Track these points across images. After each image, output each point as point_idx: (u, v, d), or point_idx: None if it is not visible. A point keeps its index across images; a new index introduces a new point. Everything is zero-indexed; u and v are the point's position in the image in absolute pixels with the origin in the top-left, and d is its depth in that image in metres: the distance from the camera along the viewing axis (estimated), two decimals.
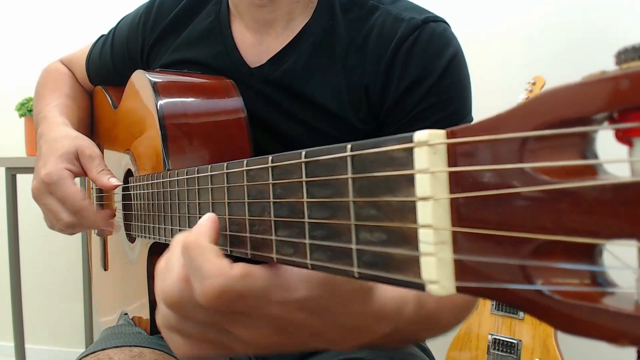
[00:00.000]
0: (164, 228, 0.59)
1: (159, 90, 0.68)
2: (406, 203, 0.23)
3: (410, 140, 0.22)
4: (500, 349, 1.42)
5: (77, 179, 0.76)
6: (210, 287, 0.33)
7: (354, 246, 0.26)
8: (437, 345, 0.90)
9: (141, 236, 0.71)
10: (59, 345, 2.29)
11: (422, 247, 0.22)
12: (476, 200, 0.20)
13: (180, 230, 0.54)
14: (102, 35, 0.96)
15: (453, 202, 0.21)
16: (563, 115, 0.17)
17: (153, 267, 0.69)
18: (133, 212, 0.74)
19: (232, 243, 0.41)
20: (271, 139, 0.73)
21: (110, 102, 0.91)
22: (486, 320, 1.47)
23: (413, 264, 0.22)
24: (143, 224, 0.69)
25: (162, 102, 0.67)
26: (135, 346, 0.67)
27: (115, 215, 0.77)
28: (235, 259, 0.55)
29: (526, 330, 1.40)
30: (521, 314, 1.41)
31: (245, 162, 0.37)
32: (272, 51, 0.73)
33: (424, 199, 0.22)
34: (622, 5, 1.61)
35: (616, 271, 0.18)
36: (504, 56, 1.74)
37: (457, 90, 0.67)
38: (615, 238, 0.16)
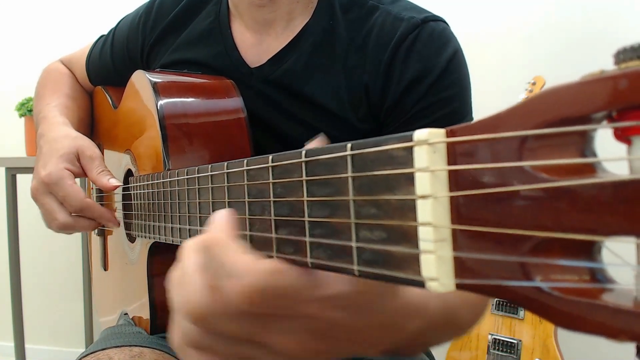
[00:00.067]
0: (165, 227, 0.60)
1: (159, 90, 0.68)
2: (406, 201, 0.23)
3: (410, 139, 0.22)
4: (500, 349, 1.42)
5: (77, 179, 0.76)
6: (241, 287, 0.29)
7: (354, 244, 0.26)
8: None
9: (141, 236, 0.71)
10: (59, 345, 2.29)
11: (422, 245, 0.22)
12: (476, 198, 0.20)
13: (180, 228, 0.54)
14: (102, 36, 0.96)
15: (453, 200, 0.21)
16: (562, 114, 0.17)
17: (153, 267, 0.70)
18: (133, 212, 0.75)
19: None
20: (271, 139, 0.73)
21: (110, 102, 0.91)
22: (486, 320, 1.47)
23: (413, 261, 0.22)
24: (143, 224, 0.69)
25: (162, 102, 0.67)
26: (135, 346, 0.67)
27: (117, 218, 0.78)
28: None
29: (526, 330, 1.40)
30: (521, 314, 1.41)
31: (245, 161, 0.37)
32: (272, 51, 0.73)
33: (423, 197, 0.22)
34: (622, 5, 1.61)
35: (615, 268, 0.18)
36: (504, 56, 1.74)
37: (457, 89, 0.67)
38: (614, 235, 0.16)
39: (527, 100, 0.19)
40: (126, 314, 0.82)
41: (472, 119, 0.70)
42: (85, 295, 2.00)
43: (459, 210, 0.21)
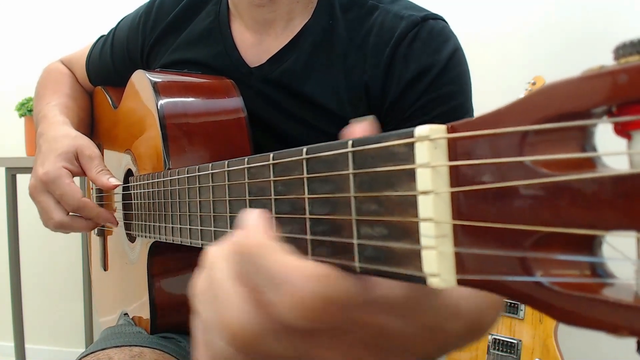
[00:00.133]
0: (165, 227, 0.60)
1: (159, 90, 0.69)
2: (407, 197, 0.23)
3: (411, 135, 0.22)
4: (500, 349, 1.42)
5: (77, 179, 0.76)
6: (295, 298, 0.24)
7: (355, 241, 0.26)
8: None
9: (141, 235, 0.71)
10: (59, 345, 2.29)
11: (423, 241, 0.22)
12: (476, 193, 0.20)
13: (181, 228, 0.54)
14: (102, 36, 0.96)
15: (454, 195, 0.21)
16: (562, 109, 0.18)
17: (153, 267, 0.70)
18: (133, 212, 0.75)
19: None
20: (271, 139, 0.73)
21: (111, 103, 0.91)
22: None
23: (414, 257, 0.22)
24: (143, 223, 0.69)
25: (163, 102, 0.67)
26: (135, 346, 0.67)
27: (115, 218, 0.77)
28: None
29: (526, 330, 1.40)
30: (521, 313, 1.41)
31: (246, 159, 0.37)
32: (272, 51, 0.73)
33: (424, 193, 0.22)
34: (622, 5, 1.61)
35: (615, 262, 0.18)
36: (504, 56, 1.74)
37: (457, 86, 0.67)
38: (614, 230, 0.16)
39: (528, 96, 0.19)
40: (126, 314, 0.82)
41: (472, 115, 0.70)
42: (85, 295, 2.00)
43: (460, 206, 0.21)
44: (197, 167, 0.48)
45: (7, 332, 1.89)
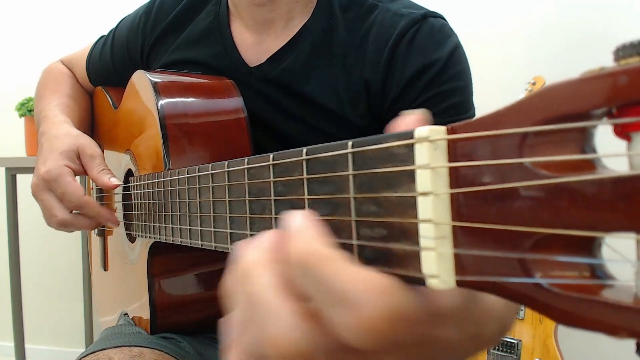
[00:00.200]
0: (165, 227, 0.60)
1: (159, 90, 0.69)
2: (407, 198, 0.23)
3: (411, 136, 0.22)
4: (500, 348, 1.42)
5: (77, 178, 0.76)
6: (367, 317, 0.21)
7: (354, 242, 0.26)
8: None
9: (141, 236, 0.71)
10: (59, 345, 2.29)
11: (423, 242, 0.22)
12: (476, 195, 0.20)
13: (181, 228, 0.54)
14: (102, 36, 0.96)
15: (453, 197, 0.21)
16: (562, 111, 0.18)
17: (153, 267, 0.70)
18: (133, 212, 0.75)
19: (232, 241, 0.42)
20: (271, 139, 0.73)
21: (111, 103, 0.91)
22: None
23: (413, 258, 0.22)
24: (143, 224, 0.69)
25: (163, 102, 0.67)
26: (135, 346, 0.67)
27: (117, 217, 0.77)
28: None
29: (526, 330, 1.40)
30: (521, 314, 1.41)
31: (246, 160, 0.37)
32: (272, 51, 0.73)
33: (424, 194, 0.22)
34: (622, 5, 1.61)
35: (615, 264, 0.18)
36: (504, 56, 1.74)
37: (458, 82, 0.67)
38: (614, 231, 0.16)
39: (527, 97, 0.19)
40: (126, 314, 0.82)
41: (474, 113, 0.70)
42: (85, 295, 2.00)
43: (459, 207, 0.21)
44: (197, 167, 0.48)
45: (7, 332, 1.89)
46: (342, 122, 0.70)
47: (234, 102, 0.70)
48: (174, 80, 0.73)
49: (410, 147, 0.22)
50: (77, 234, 2.05)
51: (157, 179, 0.61)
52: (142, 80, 0.74)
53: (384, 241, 0.24)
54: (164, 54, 0.82)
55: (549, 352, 1.35)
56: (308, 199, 0.30)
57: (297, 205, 0.31)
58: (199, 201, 0.48)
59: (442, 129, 0.22)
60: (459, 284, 0.21)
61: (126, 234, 0.82)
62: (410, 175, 0.23)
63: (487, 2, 1.77)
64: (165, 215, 0.59)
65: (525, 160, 0.18)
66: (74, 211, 0.73)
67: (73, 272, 2.18)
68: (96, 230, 1.02)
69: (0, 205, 1.91)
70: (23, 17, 2.30)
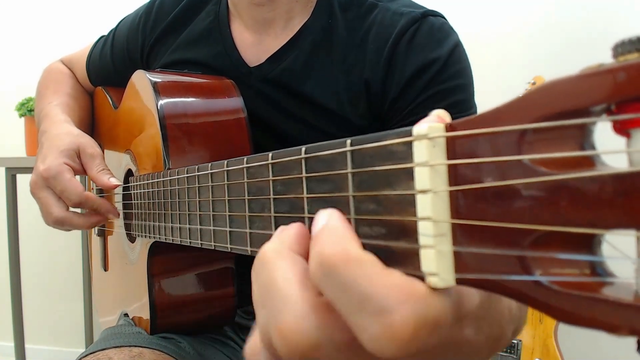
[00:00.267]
0: (165, 227, 0.60)
1: (159, 90, 0.68)
2: (406, 196, 0.23)
3: (410, 133, 0.22)
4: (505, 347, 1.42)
5: (77, 178, 0.76)
6: (400, 326, 0.20)
7: None
8: None
9: (141, 236, 0.71)
10: (59, 345, 2.29)
11: (422, 240, 0.22)
12: (475, 192, 0.20)
13: (180, 228, 0.54)
14: (102, 36, 0.96)
15: (452, 194, 0.21)
16: (561, 108, 0.17)
17: (153, 267, 0.70)
18: (133, 212, 0.75)
19: (232, 240, 0.42)
20: (271, 139, 0.73)
21: (111, 103, 0.91)
22: None
23: (413, 256, 0.22)
24: (143, 223, 0.69)
25: (163, 102, 0.67)
26: (135, 346, 0.67)
27: (116, 208, 0.77)
28: (238, 257, 0.54)
29: (526, 330, 1.40)
30: None
31: (245, 159, 0.37)
32: (272, 50, 0.73)
33: (423, 191, 0.22)
34: (622, 5, 1.61)
35: (615, 261, 0.18)
36: (504, 56, 1.74)
37: (459, 80, 0.67)
38: (613, 228, 0.16)
39: (526, 94, 0.19)
40: (126, 314, 0.82)
41: (476, 111, 0.70)
42: (85, 295, 2.00)
43: (458, 205, 0.21)
44: (196, 167, 0.48)
45: (7, 332, 1.90)
46: (342, 122, 0.70)
47: (234, 102, 0.70)
48: (174, 80, 0.73)
49: (409, 144, 0.22)
50: (77, 234, 2.05)
51: (157, 178, 0.61)
52: (142, 80, 0.73)
53: (384, 239, 0.24)
54: (164, 54, 0.82)
55: (549, 352, 1.35)
56: (307, 197, 0.30)
57: (297, 204, 0.31)
58: (199, 200, 0.48)
59: (440, 126, 0.22)
60: (459, 282, 0.21)
61: (126, 234, 0.82)
62: (409, 173, 0.22)
63: (487, 2, 1.77)
64: (164, 214, 0.59)
65: (524, 157, 0.18)
66: (71, 209, 0.73)
67: (73, 272, 2.18)
68: (96, 230, 1.02)
69: (0, 205, 1.91)
70: (23, 17, 2.30)
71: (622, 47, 0.17)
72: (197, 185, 0.49)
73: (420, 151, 0.22)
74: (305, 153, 0.30)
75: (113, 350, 0.66)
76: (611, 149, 0.16)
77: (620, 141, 0.17)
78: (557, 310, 0.18)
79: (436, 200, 0.21)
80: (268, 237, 0.35)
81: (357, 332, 0.21)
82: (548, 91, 0.18)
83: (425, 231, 0.21)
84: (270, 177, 0.34)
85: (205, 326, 0.75)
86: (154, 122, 0.67)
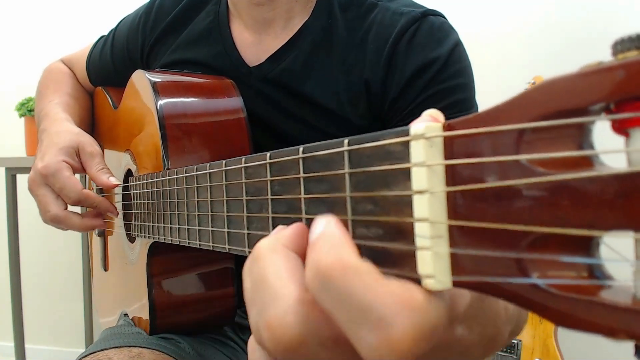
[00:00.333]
0: (164, 227, 0.59)
1: (158, 90, 0.68)
2: (402, 197, 0.22)
3: (407, 133, 0.22)
4: (503, 347, 1.42)
5: (77, 177, 0.75)
6: (399, 337, 0.20)
7: None
8: None
9: (141, 236, 0.71)
10: (59, 345, 2.29)
11: (418, 241, 0.22)
12: (472, 193, 0.20)
13: (179, 228, 0.54)
14: (102, 36, 0.96)
15: (449, 195, 0.21)
16: (560, 107, 0.17)
17: (153, 267, 0.69)
18: (133, 212, 0.74)
19: (230, 241, 0.41)
20: (271, 139, 0.73)
21: (111, 103, 0.91)
22: None
23: (409, 258, 0.22)
24: (143, 224, 0.69)
25: (162, 102, 0.67)
26: (135, 346, 0.67)
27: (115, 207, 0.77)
28: (238, 257, 0.54)
29: (526, 330, 1.39)
30: None
31: (243, 159, 0.37)
32: (271, 50, 0.73)
33: (420, 192, 0.21)
34: (622, 5, 1.61)
35: (613, 264, 0.17)
36: (504, 56, 1.74)
37: (459, 79, 0.67)
38: (612, 230, 0.16)
39: (525, 93, 0.18)
40: (126, 314, 0.82)
41: (477, 110, 0.69)
42: (85, 295, 2.00)
43: (455, 206, 0.21)
44: (194, 167, 0.48)
45: (7, 332, 1.89)
46: (342, 122, 0.69)
47: (234, 102, 0.70)
48: (174, 80, 0.73)
49: (406, 144, 0.22)
50: (77, 233, 2.05)
51: (156, 178, 0.61)
52: (141, 80, 0.73)
53: (380, 240, 0.24)
54: (164, 54, 0.82)
55: (549, 352, 1.35)
56: (304, 198, 0.30)
57: (294, 204, 0.31)
58: (197, 201, 0.48)
59: (438, 125, 0.21)
60: (455, 284, 0.21)
61: (126, 234, 0.81)
62: (406, 173, 0.22)
63: (487, 2, 1.77)
64: (163, 215, 0.59)
65: (522, 157, 0.18)
66: (70, 208, 0.73)
67: (73, 272, 2.18)
68: (96, 229, 1.02)
69: (0, 205, 1.91)
70: (23, 17, 2.30)
71: (622, 45, 0.17)
72: (195, 185, 0.48)
73: (418, 151, 0.21)
74: (303, 153, 0.29)
75: (113, 350, 0.66)
76: (610, 148, 0.16)
77: (619, 140, 0.17)
78: (554, 314, 0.18)
79: (433, 201, 0.21)
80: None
81: (355, 342, 0.21)
82: (546, 90, 0.18)
83: (422, 232, 0.21)
84: (268, 178, 0.33)
85: (205, 326, 0.75)
86: (153, 122, 0.67)
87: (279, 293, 0.23)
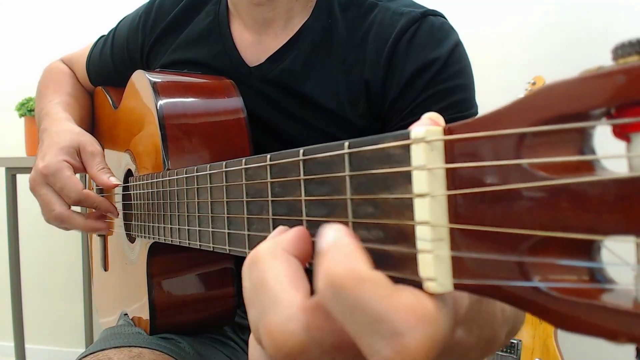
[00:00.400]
0: (164, 227, 0.59)
1: (158, 90, 0.68)
2: (403, 200, 0.22)
3: (407, 137, 0.22)
4: (501, 348, 1.42)
5: (77, 176, 0.75)
6: (412, 349, 0.20)
7: None
8: None
9: (141, 236, 0.71)
10: (59, 345, 2.29)
11: (420, 244, 0.22)
12: (473, 196, 0.20)
13: (179, 229, 0.54)
14: (102, 36, 0.96)
15: (450, 198, 0.21)
16: (560, 111, 0.17)
17: (153, 268, 0.69)
18: (133, 212, 0.74)
19: (230, 242, 0.41)
20: (271, 139, 0.73)
21: (111, 103, 0.91)
22: None
23: (410, 261, 0.22)
24: (143, 224, 0.69)
25: (162, 102, 0.67)
26: (135, 346, 0.67)
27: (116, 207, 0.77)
28: (238, 257, 0.54)
29: (526, 330, 1.39)
30: None
31: (243, 160, 0.37)
32: (271, 50, 0.73)
33: (421, 195, 0.21)
34: (621, 5, 1.61)
35: (614, 268, 0.17)
36: (504, 56, 1.74)
37: (459, 80, 0.67)
38: (613, 234, 0.16)
39: (525, 97, 0.18)
40: (126, 314, 0.82)
41: (477, 111, 0.70)
42: (85, 295, 2.00)
43: (456, 209, 0.21)
44: (195, 168, 0.48)
45: (7, 332, 1.89)
46: (342, 122, 0.69)
47: (234, 102, 0.70)
48: (174, 80, 0.73)
49: (407, 147, 0.22)
50: (77, 233, 2.05)
51: (156, 179, 0.61)
52: (141, 80, 0.73)
53: (382, 243, 0.24)
54: (164, 54, 0.82)
55: (549, 352, 1.35)
56: (305, 200, 0.30)
57: (294, 206, 0.31)
58: (197, 202, 0.48)
59: (438, 129, 0.21)
60: (457, 287, 0.21)
61: (126, 234, 0.81)
62: (407, 177, 0.22)
63: (487, 2, 1.77)
64: (164, 215, 0.59)
65: (523, 161, 0.18)
66: (72, 207, 0.73)
67: (73, 272, 2.18)
68: None
69: (0, 205, 1.91)
70: (23, 17, 2.30)
71: (622, 50, 0.17)
72: (195, 186, 0.48)
73: (418, 154, 0.21)
74: (303, 155, 0.29)
75: (113, 350, 0.66)
76: (611, 153, 0.16)
77: (620, 145, 0.17)
78: (555, 317, 0.18)
79: (434, 205, 0.21)
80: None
81: (367, 353, 0.21)
82: (547, 94, 0.18)
83: (423, 235, 0.21)
84: (269, 179, 0.33)
85: (205, 326, 0.75)
86: (153, 122, 0.67)
87: (279, 298, 0.23)
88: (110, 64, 0.92)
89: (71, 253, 2.18)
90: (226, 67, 0.75)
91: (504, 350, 1.41)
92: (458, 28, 0.71)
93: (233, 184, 0.39)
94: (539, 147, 0.18)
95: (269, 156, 0.33)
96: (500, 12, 1.75)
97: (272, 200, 0.33)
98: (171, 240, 0.57)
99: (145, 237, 0.68)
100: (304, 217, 0.30)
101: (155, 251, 0.69)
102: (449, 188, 0.21)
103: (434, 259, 0.21)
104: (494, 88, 1.60)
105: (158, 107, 0.66)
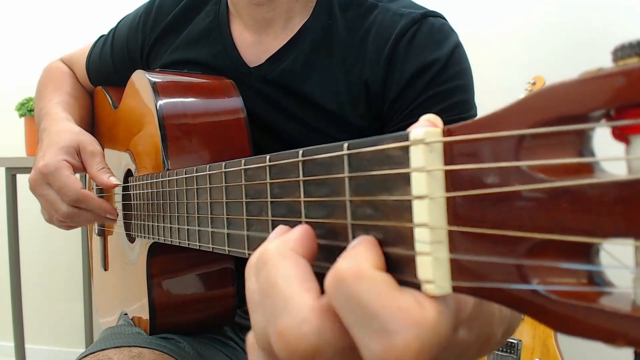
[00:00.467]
0: (163, 227, 0.59)
1: (158, 90, 0.68)
2: (402, 202, 0.22)
3: (407, 138, 0.22)
4: (500, 348, 1.42)
5: (77, 176, 0.75)
6: (401, 349, 0.20)
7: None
8: None
9: (141, 236, 0.71)
10: (59, 345, 2.29)
11: (418, 247, 0.22)
12: (472, 198, 0.20)
13: (179, 229, 0.54)
14: (102, 36, 0.96)
15: (449, 200, 0.21)
16: (560, 113, 0.17)
17: (153, 268, 0.69)
18: (133, 212, 0.74)
19: (230, 243, 0.41)
20: (271, 139, 0.73)
21: (111, 102, 0.91)
22: None
23: (409, 263, 0.22)
24: (142, 224, 0.69)
25: (162, 102, 0.67)
26: (135, 346, 0.67)
27: (116, 209, 0.77)
28: (238, 257, 0.54)
29: (526, 330, 1.39)
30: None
31: (243, 161, 0.37)
32: (271, 51, 0.73)
33: (419, 197, 0.21)
34: (621, 5, 1.60)
35: (613, 271, 0.17)
36: (504, 56, 1.73)
37: (459, 81, 0.67)
38: (612, 237, 0.16)
39: (525, 99, 0.18)
40: (126, 314, 0.82)
41: (476, 112, 0.69)
42: (85, 295, 2.00)
43: (455, 211, 0.21)
44: (194, 168, 0.48)
45: (7, 332, 1.90)
46: (342, 122, 0.69)
47: (234, 102, 0.70)
48: (173, 80, 0.73)
49: (406, 149, 0.22)
50: (77, 234, 2.05)
51: (156, 179, 0.61)
52: (141, 80, 0.73)
53: (381, 245, 0.24)
54: (164, 54, 0.82)
55: (549, 352, 1.35)
56: (304, 201, 0.30)
57: (294, 207, 0.31)
58: (197, 202, 0.48)
59: (437, 131, 0.21)
60: (455, 289, 0.21)
61: (126, 234, 0.81)
62: (406, 178, 0.22)
63: (487, 2, 1.77)
64: (163, 215, 0.59)
65: (522, 163, 0.18)
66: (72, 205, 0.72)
67: (73, 272, 2.17)
68: (96, 229, 1.02)
69: (0, 205, 1.91)
70: (23, 17, 2.30)
71: (622, 51, 0.16)
72: (195, 186, 0.48)
73: (417, 156, 0.21)
74: (303, 156, 0.29)
75: (113, 350, 0.66)
76: (610, 156, 0.16)
77: (619, 147, 0.17)
78: (554, 320, 0.18)
79: (433, 207, 0.21)
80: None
81: (359, 345, 0.21)
82: (547, 96, 0.18)
83: (422, 238, 0.21)
84: (268, 180, 0.33)
85: (205, 326, 0.75)
86: (153, 122, 0.67)
87: (290, 301, 0.23)
88: (110, 64, 0.92)
89: (71, 253, 2.18)
90: (226, 67, 0.75)
91: (504, 350, 1.41)
92: (458, 28, 0.71)
93: (232, 185, 0.39)
94: (538, 149, 0.18)
95: (268, 157, 0.33)
96: (500, 12, 1.75)
97: (271, 201, 0.33)
98: (171, 241, 0.57)
99: (145, 237, 0.68)
100: (303, 219, 0.30)
101: (155, 251, 0.69)
102: (447, 190, 0.21)
103: (432, 261, 0.21)
104: (494, 88, 1.60)
105: (158, 107, 0.66)
